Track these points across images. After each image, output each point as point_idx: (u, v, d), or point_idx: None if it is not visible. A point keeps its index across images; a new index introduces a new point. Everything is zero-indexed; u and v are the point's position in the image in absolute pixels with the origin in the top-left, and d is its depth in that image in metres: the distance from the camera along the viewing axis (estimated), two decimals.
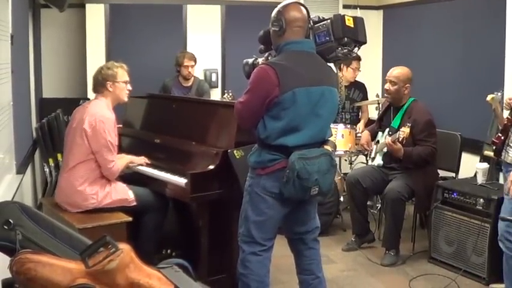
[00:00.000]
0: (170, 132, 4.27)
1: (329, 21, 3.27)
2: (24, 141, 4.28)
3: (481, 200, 4.27)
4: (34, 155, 4.93)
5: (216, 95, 6.64)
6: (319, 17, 3.33)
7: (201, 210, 3.78)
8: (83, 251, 1.96)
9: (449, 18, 5.90)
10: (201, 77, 6.54)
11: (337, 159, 6.09)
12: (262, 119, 3.09)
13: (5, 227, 2.04)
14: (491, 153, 3.88)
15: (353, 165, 6.05)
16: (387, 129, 4.88)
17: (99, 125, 3.75)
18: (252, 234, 3.21)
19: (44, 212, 3.70)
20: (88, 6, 6.25)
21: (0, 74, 3.21)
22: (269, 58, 3.27)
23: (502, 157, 3.69)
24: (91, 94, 4.09)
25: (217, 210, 3.78)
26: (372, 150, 5.09)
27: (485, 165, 4.57)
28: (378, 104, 5.77)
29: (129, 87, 4.03)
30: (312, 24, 3.26)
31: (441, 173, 5.06)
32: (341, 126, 5.59)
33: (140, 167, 4.16)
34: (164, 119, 4.47)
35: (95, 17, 6.26)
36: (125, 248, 1.96)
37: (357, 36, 3.31)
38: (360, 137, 5.42)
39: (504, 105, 3.97)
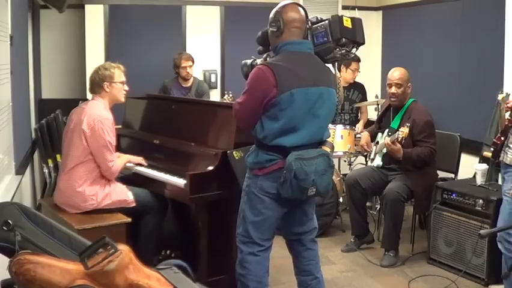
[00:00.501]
0: (170, 133, 4.27)
1: (327, 22, 3.27)
2: (24, 142, 4.28)
3: (480, 200, 4.27)
4: (33, 156, 4.93)
5: (215, 95, 6.65)
6: (317, 18, 3.33)
7: (200, 211, 3.78)
8: (82, 252, 1.96)
9: (448, 19, 5.90)
10: (200, 78, 6.54)
11: (336, 160, 6.10)
12: (260, 120, 3.09)
13: (4, 228, 2.03)
14: (491, 154, 3.88)
15: (352, 166, 6.05)
16: (387, 130, 4.89)
17: (98, 126, 3.75)
18: (250, 235, 3.21)
19: (43, 213, 3.68)
20: (87, 7, 6.26)
21: None
22: (267, 59, 3.27)
23: (501, 158, 3.69)
24: (90, 95, 4.08)
25: (217, 211, 3.78)
26: (371, 151, 5.09)
27: (485, 166, 4.58)
28: (378, 104, 5.77)
29: (126, 87, 4.03)
30: (310, 25, 3.26)
31: (441, 173, 5.06)
32: (340, 127, 5.59)
33: (139, 168, 4.16)
34: (164, 120, 4.47)
35: (95, 18, 6.27)
36: (124, 249, 1.96)
37: (355, 36, 3.31)
38: (359, 138, 5.42)
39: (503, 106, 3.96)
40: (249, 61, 3.39)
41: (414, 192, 4.69)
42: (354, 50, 3.38)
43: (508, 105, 3.66)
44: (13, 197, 3.23)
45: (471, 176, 4.76)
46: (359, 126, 6.05)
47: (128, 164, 4.14)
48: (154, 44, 6.43)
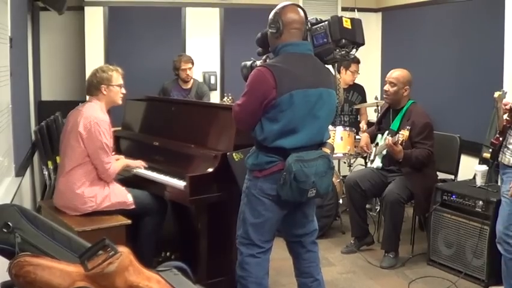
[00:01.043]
0: (169, 134, 4.27)
1: (326, 23, 3.26)
2: (23, 144, 4.28)
3: (480, 202, 4.27)
4: (33, 158, 4.93)
5: (215, 97, 6.65)
6: (316, 19, 3.33)
7: (200, 212, 3.78)
8: (82, 254, 1.96)
9: (447, 21, 5.91)
10: (200, 80, 6.54)
11: (336, 162, 6.10)
12: (260, 121, 3.08)
13: (4, 230, 2.03)
14: (489, 156, 3.87)
15: (352, 168, 6.06)
16: (387, 132, 4.89)
17: (94, 128, 3.75)
18: (250, 237, 3.21)
19: (43, 215, 3.67)
20: (87, 9, 6.26)
21: None
22: (267, 60, 3.26)
23: (499, 159, 3.69)
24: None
25: (216, 212, 3.78)
26: (371, 152, 5.09)
27: (484, 167, 4.57)
28: (377, 106, 5.77)
29: (123, 90, 4.02)
30: (309, 26, 3.25)
31: (440, 175, 5.06)
32: (340, 128, 5.59)
33: (139, 170, 4.16)
34: (163, 122, 4.47)
35: (94, 20, 6.27)
36: (124, 251, 1.96)
37: (354, 37, 3.30)
38: (359, 139, 5.42)
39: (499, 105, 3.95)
40: (248, 63, 3.38)
41: (414, 193, 4.69)
42: (354, 50, 3.37)
43: (506, 107, 3.65)
44: (13, 199, 3.23)
45: (471, 177, 4.76)
46: (363, 125, 6.03)
47: (127, 168, 4.13)
48: (153, 46, 6.43)
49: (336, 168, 6.12)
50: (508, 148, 3.62)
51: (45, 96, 6.31)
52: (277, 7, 3.17)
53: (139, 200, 3.96)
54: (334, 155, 5.16)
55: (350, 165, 6.08)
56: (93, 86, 3.93)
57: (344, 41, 3.26)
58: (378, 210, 5.53)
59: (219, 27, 6.72)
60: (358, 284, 4.36)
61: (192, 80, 6.22)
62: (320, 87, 3.12)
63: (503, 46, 4.92)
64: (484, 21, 5.37)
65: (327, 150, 3.22)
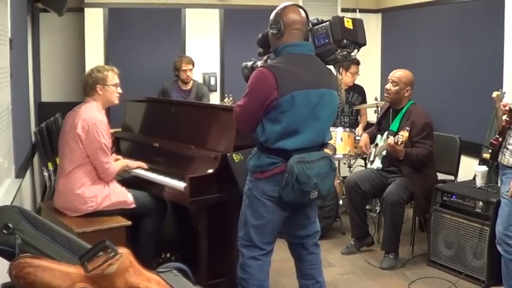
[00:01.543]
0: (169, 136, 4.27)
1: (327, 23, 3.25)
2: (23, 146, 4.28)
3: (480, 203, 4.27)
4: (33, 159, 4.92)
5: (214, 98, 6.65)
6: (318, 19, 3.31)
7: (200, 214, 3.78)
8: (83, 255, 1.96)
9: (447, 21, 5.91)
10: (200, 81, 6.54)
11: (336, 163, 6.07)
12: (261, 122, 3.07)
13: (4, 231, 2.04)
14: (489, 156, 3.87)
15: (352, 169, 6.06)
16: (386, 133, 4.89)
17: (92, 128, 3.75)
18: (252, 238, 3.19)
19: (43, 216, 3.67)
20: (87, 10, 6.26)
21: None
22: (268, 61, 3.24)
23: (499, 159, 3.69)
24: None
25: (217, 213, 3.77)
26: (371, 153, 5.09)
27: (484, 168, 4.57)
28: (377, 107, 5.77)
29: (119, 90, 4.01)
30: (311, 26, 3.24)
31: (440, 176, 5.05)
32: (339, 129, 5.59)
33: (139, 171, 4.16)
34: (163, 123, 4.47)
35: (94, 21, 6.27)
36: (124, 252, 1.97)
37: (356, 38, 3.29)
38: (359, 140, 5.42)
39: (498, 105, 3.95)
40: (249, 63, 3.37)
41: (414, 194, 4.69)
42: (355, 51, 3.36)
43: (505, 108, 3.66)
44: (13, 200, 3.22)
45: (471, 178, 4.76)
46: (359, 129, 6.05)
47: (126, 168, 4.13)
48: (153, 47, 6.43)
49: (336, 169, 6.12)
50: (508, 149, 3.62)
51: (45, 98, 6.31)
52: (279, 7, 3.16)
53: (139, 201, 3.95)
54: (335, 156, 5.16)
55: (350, 166, 6.09)
56: (88, 86, 3.92)
57: (345, 41, 3.25)
58: (378, 211, 5.53)
59: (218, 28, 6.72)
60: (358, 285, 4.36)
61: (191, 81, 6.22)
62: (321, 88, 3.11)
63: (503, 47, 4.92)
64: (483, 21, 5.37)
65: (329, 151, 3.20)
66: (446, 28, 5.92)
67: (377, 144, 5.02)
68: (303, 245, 3.38)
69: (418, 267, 4.66)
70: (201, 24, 6.66)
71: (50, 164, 4.95)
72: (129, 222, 3.73)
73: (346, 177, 5.37)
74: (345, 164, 6.14)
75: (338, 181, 5.49)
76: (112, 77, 3.95)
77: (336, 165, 6.13)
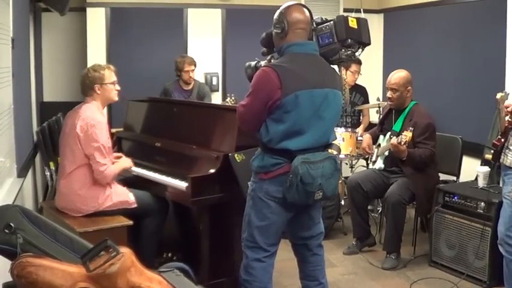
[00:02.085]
0: (171, 135, 4.27)
1: (332, 22, 3.23)
2: (25, 145, 4.28)
3: (482, 203, 4.26)
4: (35, 159, 4.93)
5: (216, 98, 6.65)
6: (322, 19, 3.30)
7: (201, 213, 3.78)
8: (84, 255, 1.96)
9: (449, 22, 5.90)
10: (202, 81, 6.55)
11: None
12: (265, 123, 3.05)
13: (6, 230, 2.04)
14: (491, 157, 3.87)
15: (353, 169, 6.05)
16: (389, 133, 4.88)
17: (91, 129, 3.73)
18: (256, 240, 3.17)
19: (45, 216, 3.66)
20: (89, 10, 6.27)
21: (1, 77, 3.21)
22: (272, 61, 3.22)
23: (501, 160, 3.68)
24: None
25: (218, 213, 3.77)
26: (373, 153, 5.09)
27: (486, 168, 4.57)
28: (379, 107, 5.78)
29: (118, 87, 3.98)
30: (315, 25, 3.22)
31: (442, 176, 5.05)
32: (341, 129, 5.58)
33: (141, 171, 4.16)
34: (165, 123, 4.47)
35: (96, 21, 6.28)
36: (126, 251, 1.97)
37: (360, 37, 3.27)
38: (361, 140, 5.41)
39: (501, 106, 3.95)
40: (253, 63, 3.34)
41: (416, 194, 4.68)
42: (360, 51, 3.34)
43: (508, 109, 3.65)
44: (15, 199, 3.23)
45: (473, 178, 4.76)
46: (360, 130, 6.05)
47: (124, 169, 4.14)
48: (155, 47, 6.43)
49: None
50: (510, 149, 3.61)
51: (47, 97, 6.31)
52: (282, 7, 3.14)
53: (140, 201, 3.95)
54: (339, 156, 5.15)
55: (351, 167, 6.08)
56: (86, 87, 3.90)
57: (349, 40, 3.23)
58: (380, 211, 5.53)
59: (220, 28, 6.73)
60: (360, 285, 4.36)
61: (193, 82, 6.22)
62: (325, 87, 3.09)
63: (505, 47, 4.91)
64: (486, 22, 5.37)
65: (333, 151, 3.18)
66: (449, 28, 5.92)
67: (379, 145, 5.02)
68: (307, 246, 3.37)
69: (420, 267, 4.65)
70: (203, 24, 6.66)
71: (51, 164, 4.95)
72: (131, 222, 3.73)
73: (348, 177, 5.36)
74: (347, 164, 6.13)
75: (340, 181, 5.48)
76: (109, 75, 3.92)
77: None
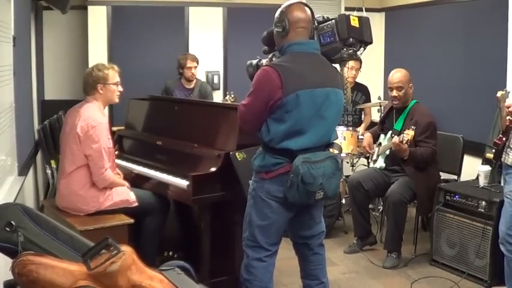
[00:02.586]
0: (172, 134, 4.27)
1: (333, 21, 3.21)
2: (26, 143, 4.28)
3: (483, 202, 4.26)
4: (36, 157, 4.93)
5: (218, 97, 6.65)
6: (324, 17, 3.28)
7: (202, 212, 3.78)
8: (85, 253, 1.96)
9: (450, 21, 5.90)
10: (203, 79, 6.55)
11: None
12: (266, 122, 3.04)
13: (7, 228, 2.04)
14: (492, 156, 3.87)
15: (354, 168, 6.05)
16: (390, 132, 4.88)
17: (91, 131, 3.71)
18: (257, 239, 3.17)
19: (46, 214, 3.68)
20: (90, 8, 6.27)
21: (2, 75, 3.21)
22: (273, 59, 3.21)
23: (502, 159, 3.68)
24: None
25: (219, 212, 3.78)
26: (374, 152, 5.09)
27: (487, 167, 4.57)
28: (380, 106, 5.77)
29: (120, 88, 3.96)
30: (316, 24, 3.21)
31: (443, 175, 5.05)
32: (342, 128, 5.58)
33: (142, 169, 4.16)
34: (166, 121, 4.48)
35: (97, 19, 6.28)
36: (127, 250, 1.97)
37: (362, 36, 3.25)
38: (362, 139, 5.41)
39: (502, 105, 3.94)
40: (254, 61, 3.33)
41: (417, 193, 4.68)
42: (361, 49, 3.32)
43: (509, 109, 3.65)
44: (16, 198, 3.23)
45: (474, 177, 4.76)
46: (361, 129, 6.04)
47: (129, 166, 4.13)
48: (156, 46, 6.43)
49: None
50: (511, 148, 3.61)
51: (49, 95, 6.31)
52: (283, 5, 3.12)
53: (141, 199, 3.95)
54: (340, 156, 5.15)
55: (352, 165, 6.08)
56: (89, 86, 3.87)
57: (351, 39, 3.20)
58: (381, 210, 5.52)
59: (222, 26, 6.72)
60: (361, 284, 4.36)
61: (195, 80, 6.22)
62: (326, 86, 3.07)
63: (506, 46, 4.90)
64: (487, 20, 5.36)
65: (335, 151, 3.17)
66: (450, 27, 5.91)
67: (380, 144, 5.02)
68: (308, 245, 3.36)
69: (421, 266, 4.65)
70: (204, 23, 6.66)
71: (53, 162, 4.96)
72: (132, 220, 3.73)
73: (349, 176, 5.37)
74: (348, 163, 6.13)
75: (341, 180, 5.49)
76: (113, 75, 3.91)
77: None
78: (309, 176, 2.97)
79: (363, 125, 6.20)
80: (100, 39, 6.29)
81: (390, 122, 4.98)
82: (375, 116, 6.20)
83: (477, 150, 5.16)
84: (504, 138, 3.66)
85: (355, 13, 3.22)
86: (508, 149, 3.62)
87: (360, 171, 5.30)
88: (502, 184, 4.23)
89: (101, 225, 3.62)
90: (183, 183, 3.72)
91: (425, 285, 4.31)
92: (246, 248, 3.23)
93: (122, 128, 4.96)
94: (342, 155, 5.49)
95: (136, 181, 4.13)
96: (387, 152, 4.85)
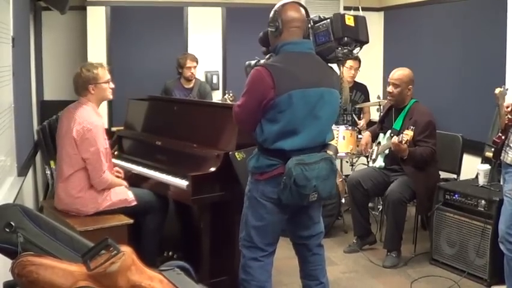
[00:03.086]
0: (172, 134, 4.27)
1: (328, 20, 3.20)
2: (26, 144, 4.28)
3: (483, 201, 4.26)
4: (35, 158, 4.93)
5: (217, 97, 6.65)
6: (320, 17, 3.26)
7: (202, 212, 3.78)
8: (85, 254, 1.96)
9: (449, 20, 5.90)
10: (202, 79, 6.55)
11: (338, 161, 6.09)
12: (260, 123, 3.03)
13: (7, 229, 2.04)
14: (492, 155, 3.87)
15: (354, 167, 6.05)
16: (389, 131, 4.88)
17: (87, 134, 3.69)
18: (253, 239, 3.17)
19: (45, 215, 3.66)
20: (89, 8, 6.27)
21: (1, 76, 3.21)
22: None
23: (502, 157, 3.68)
24: None
25: (219, 212, 3.77)
26: (372, 151, 5.08)
27: (487, 166, 4.57)
28: (380, 105, 5.77)
29: (112, 85, 3.93)
30: (312, 24, 3.20)
31: (443, 174, 5.05)
32: (342, 128, 5.58)
33: (141, 169, 4.16)
34: (166, 121, 4.47)
35: (96, 20, 6.28)
36: (126, 250, 1.97)
37: (357, 35, 3.23)
38: (361, 138, 5.41)
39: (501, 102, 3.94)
40: (252, 62, 3.31)
41: (417, 193, 4.68)
42: (357, 49, 3.30)
43: (508, 109, 3.65)
44: (15, 198, 3.23)
45: (473, 176, 4.76)
46: (362, 121, 6.05)
47: (128, 166, 4.12)
48: (155, 46, 6.43)
49: (339, 167, 6.11)
50: (510, 147, 3.61)
51: (48, 96, 6.31)
52: (277, 5, 3.11)
53: (140, 198, 3.94)
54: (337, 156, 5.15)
55: (352, 165, 6.08)
56: (80, 87, 3.84)
57: (346, 39, 3.19)
58: (380, 209, 5.52)
59: (221, 26, 6.72)
60: (360, 283, 4.36)
61: (194, 80, 6.23)
62: (321, 86, 3.06)
63: (505, 45, 4.90)
64: (486, 20, 5.36)
65: (330, 152, 3.15)
66: (449, 26, 5.91)
67: (379, 143, 5.02)
68: (307, 246, 3.36)
69: (420, 265, 4.65)
70: (203, 23, 6.66)
71: (52, 163, 4.95)
72: (131, 221, 3.73)
73: (348, 175, 5.37)
74: (347, 162, 6.14)
75: (341, 179, 5.49)
76: (103, 73, 3.87)
77: (339, 163, 6.17)
78: (303, 178, 2.95)
79: (363, 120, 6.17)
80: (99, 40, 6.29)
81: (389, 121, 4.98)
82: (375, 116, 6.20)
83: (476, 149, 5.16)
84: (503, 137, 3.66)
85: (351, 12, 3.20)
86: (507, 148, 3.63)
87: (359, 171, 5.30)
88: (501, 183, 4.23)
89: (100, 225, 3.62)
90: (183, 183, 3.72)
91: (425, 284, 4.31)
92: (242, 248, 3.24)
93: (122, 128, 4.96)
94: (342, 154, 5.50)
95: (135, 181, 4.13)
96: (387, 151, 4.85)
